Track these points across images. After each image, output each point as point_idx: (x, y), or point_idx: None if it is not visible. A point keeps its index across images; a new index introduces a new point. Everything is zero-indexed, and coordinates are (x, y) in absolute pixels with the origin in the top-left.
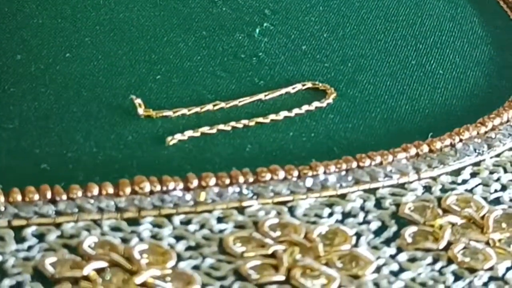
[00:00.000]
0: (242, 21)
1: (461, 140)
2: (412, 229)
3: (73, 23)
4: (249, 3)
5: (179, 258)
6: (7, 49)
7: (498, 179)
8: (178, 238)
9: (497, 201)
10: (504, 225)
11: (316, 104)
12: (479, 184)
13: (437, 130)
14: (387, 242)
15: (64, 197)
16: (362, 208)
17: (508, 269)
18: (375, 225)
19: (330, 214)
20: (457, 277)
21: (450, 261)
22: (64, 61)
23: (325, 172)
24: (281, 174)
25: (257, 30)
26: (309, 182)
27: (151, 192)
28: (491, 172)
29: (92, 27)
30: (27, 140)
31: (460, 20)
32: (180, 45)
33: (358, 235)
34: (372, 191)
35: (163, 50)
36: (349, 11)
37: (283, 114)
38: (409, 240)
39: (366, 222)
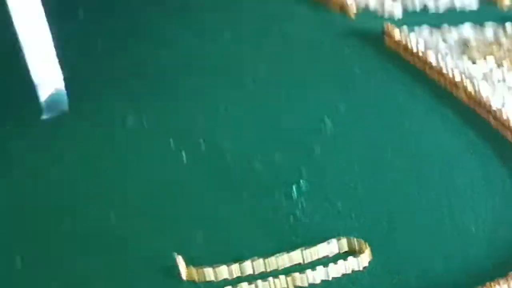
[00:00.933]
0: (279, 180)
1: None
2: None
3: (118, 185)
4: (286, 163)
5: None
6: (53, 212)
7: None
8: None
9: None
10: None
11: (351, 260)
12: None
13: (471, 287)
14: None
15: None
16: None
17: None
18: None
19: None
20: None
21: None
22: (107, 220)
23: None
24: None
25: (294, 189)
26: None
27: None
28: None
29: (135, 190)
30: None
31: (492, 179)
32: (220, 205)
33: None
34: None
35: (203, 209)
36: (384, 171)
37: (319, 270)
38: None
39: None
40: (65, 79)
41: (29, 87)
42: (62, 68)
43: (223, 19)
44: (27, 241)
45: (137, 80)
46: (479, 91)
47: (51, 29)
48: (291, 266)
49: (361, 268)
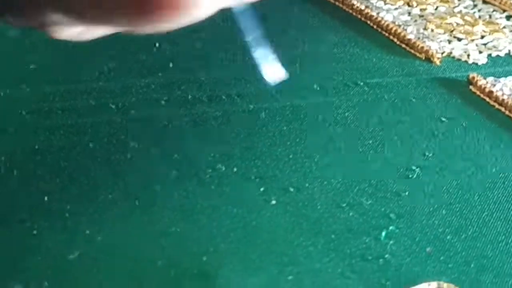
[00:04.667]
0: (368, 224)
1: None
2: None
3: (209, 231)
4: (374, 208)
5: None
6: (148, 256)
7: None
8: None
9: None
10: None
11: None
12: None
13: None
14: None
15: None
16: None
17: None
18: None
19: None
20: None
21: None
22: (201, 264)
23: None
24: None
25: (383, 233)
26: None
27: None
28: None
29: (226, 234)
30: None
31: None
32: (309, 248)
33: None
34: None
35: (293, 252)
36: (471, 214)
37: None
38: None
39: None
40: None
41: None
42: None
43: (312, 70)
44: (121, 281)
45: (225, 127)
46: None
47: None
48: None
49: None
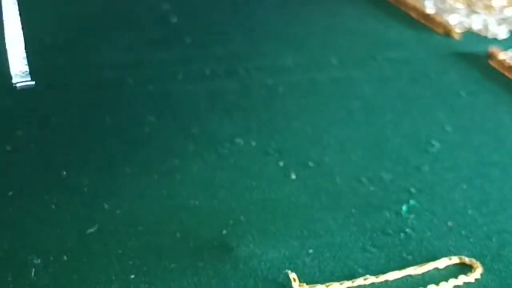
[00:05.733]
0: (389, 199)
1: None
2: None
3: (228, 204)
4: (395, 182)
5: None
6: (167, 228)
7: None
8: None
9: None
10: None
11: (463, 278)
12: None
13: None
14: None
15: None
16: None
17: None
18: None
19: None
20: None
21: None
22: (220, 237)
23: None
24: None
25: (404, 208)
26: None
27: None
28: None
29: (246, 207)
30: None
31: None
32: (330, 222)
33: None
34: None
35: (314, 226)
36: (491, 189)
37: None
38: None
39: None
40: None
41: None
42: None
43: (331, 45)
44: (140, 254)
45: (244, 102)
46: None
47: None
48: (403, 283)
49: (471, 279)
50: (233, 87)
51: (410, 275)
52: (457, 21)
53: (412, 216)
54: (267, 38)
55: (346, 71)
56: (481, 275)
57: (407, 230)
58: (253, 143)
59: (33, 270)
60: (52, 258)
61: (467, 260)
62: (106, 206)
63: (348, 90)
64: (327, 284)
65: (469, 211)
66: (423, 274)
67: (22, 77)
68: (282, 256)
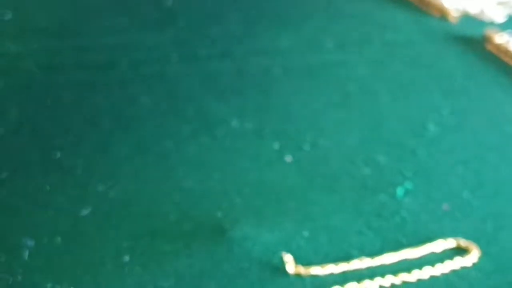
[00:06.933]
0: (384, 182)
1: None
2: None
3: (223, 186)
4: (390, 165)
5: None
6: (162, 210)
7: None
8: None
9: None
10: None
11: (459, 261)
12: None
13: None
14: None
15: None
16: None
17: None
18: None
19: None
20: None
21: None
22: (215, 219)
23: None
24: None
25: (399, 191)
26: None
27: None
28: None
29: (241, 189)
30: None
31: None
32: (325, 204)
33: None
34: None
35: (309, 209)
36: (487, 172)
37: (427, 271)
38: None
39: None
40: None
41: None
42: None
43: (327, 28)
44: (134, 236)
45: (239, 84)
46: None
47: None
48: (398, 265)
49: (467, 262)
50: (228, 69)
51: (405, 258)
52: (453, 4)
53: (407, 199)
54: (262, 20)
55: (342, 53)
56: (477, 258)
57: (403, 213)
58: (248, 125)
59: (27, 252)
60: (45, 240)
61: (463, 242)
62: (100, 188)
63: (344, 73)
64: (322, 265)
65: (465, 194)
66: (418, 256)
67: None
68: (277, 239)
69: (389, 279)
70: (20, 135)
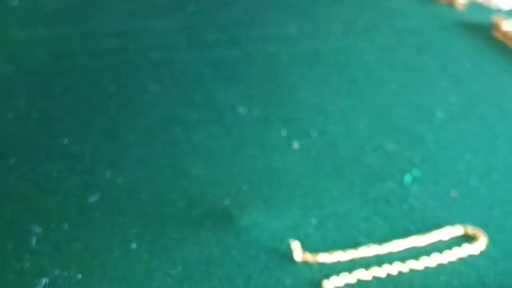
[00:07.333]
0: (392, 169)
1: None
2: None
3: (231, 173)
4: (398, 152)
5: None
6: (169, 197)
7: None
8: None
9: None
10: None
11: (467, 248)
12: None
13: None
14: None
15: None
16: None
17: None
18: None
19: None
20: None
21: None
22: (223, 206)
23: None
24: None
25: (407, 178)
26: None
27: None
28: None
29: (249, 176)
30: (190, 286)
31: None
32: (333, 191)
33: None
34: None
35: (317, 196)
36: (495, 159)
37: (434, 258)
38: None
39: None
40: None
41: None
42: None
43: (335, 14)
44: (142, 223)
45: (247, 70)
46: None
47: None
48: (406, 253)
49: (475, 249)
50: (236, 55)
51: (413, 245)
52: None
53: (415, 186)
54: (270, 6)
55: (350, 40)
56: (485, 245)
57: (411, 200)
58: (256, 112)
59: (35, 238)
60: (53, 227)
61: (470, 229)
62: (108, 174)
63: (351, 59)
64: (330, 252)
65: (472, 181)
66: (426, 243)
67: None
68: (285, 226)
69: (397, 266)
70: (28, 121)
